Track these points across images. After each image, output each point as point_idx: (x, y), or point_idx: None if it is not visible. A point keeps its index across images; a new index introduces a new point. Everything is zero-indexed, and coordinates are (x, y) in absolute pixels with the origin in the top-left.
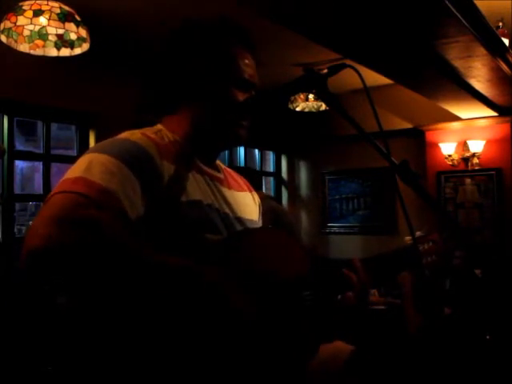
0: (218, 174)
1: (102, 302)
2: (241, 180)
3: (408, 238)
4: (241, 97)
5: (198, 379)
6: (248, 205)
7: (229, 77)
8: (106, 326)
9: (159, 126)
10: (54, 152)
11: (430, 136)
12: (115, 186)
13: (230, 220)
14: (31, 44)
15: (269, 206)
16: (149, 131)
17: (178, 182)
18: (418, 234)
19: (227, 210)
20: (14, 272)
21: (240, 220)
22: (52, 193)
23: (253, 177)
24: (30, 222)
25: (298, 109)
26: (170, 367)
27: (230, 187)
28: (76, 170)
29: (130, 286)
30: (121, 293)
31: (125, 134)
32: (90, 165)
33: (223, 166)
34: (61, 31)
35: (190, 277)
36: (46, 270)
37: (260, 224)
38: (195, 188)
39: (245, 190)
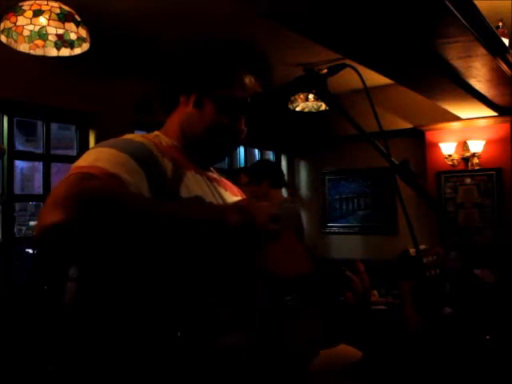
0: (215, 175)
1: (110, 286)
2: (231, 185)
3: (412, 250)
4: (226, 120)
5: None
6: None
7: (226, 96)
8: (111, 321)
9: (156, 132)
10: (54, 152)
11: (430, 136)
12: (124, 174)
13: None
14: (31, 44)
15: (287, 211)
16: (148, 135)
17: (179, 179)
18: (422, 247)
19: None
20: (14, 271)
21: None
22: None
23: (277, 173)
24: (31, 222)
25: (297, 109)
26: (171, 368)
27: (225, 189)
28: (86, 160)
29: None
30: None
31: (126, 136)
32: (98, 156)
33: (214, 171)
34: (61, 31)
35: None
36: (61, 246)
37: None
38: (196, 186)
39: (237, 195)
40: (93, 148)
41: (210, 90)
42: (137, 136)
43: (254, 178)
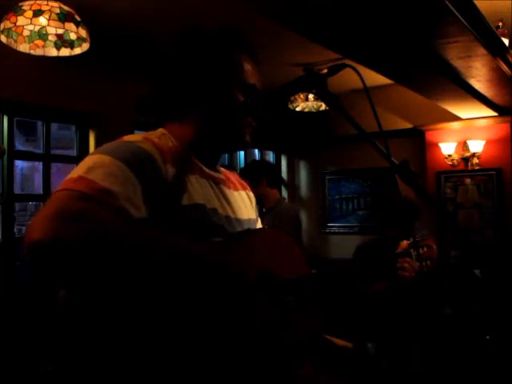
0: (220, 176)
1: (102, 293)
2: (233, 177)
3: (404, 242)
4: (244, 103)
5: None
6: (245, 203)
7: (232, 82)
8: (107, 322)
9: (162, 130)
10: (53, 152)
11: (430, 136)
12: (116, 187)
13: (233, 223)
14: (31, 44)
15: (284, 211)
16: (152, 135)
17: (180, 186)
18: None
19: (230, 213)
20: (14, 271)
21: (241, 221)
22: (54, 191)
23: (273, 172)
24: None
25: (297, 109)
26: (172, 366)
27: (229, 187)
28: (79, 169)
29: (131, 273)
30: (120, 281)
31: (128, 137)
32: (93, 165)
33: (221, 169)
34: (61, 31)
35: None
36: (48, 262)
37: (258, 221)
38: (199, 192)
39: (239, 189)
40: (91, 154)
41: (223, 85)
42: (139, 137)
43: (251, 179)
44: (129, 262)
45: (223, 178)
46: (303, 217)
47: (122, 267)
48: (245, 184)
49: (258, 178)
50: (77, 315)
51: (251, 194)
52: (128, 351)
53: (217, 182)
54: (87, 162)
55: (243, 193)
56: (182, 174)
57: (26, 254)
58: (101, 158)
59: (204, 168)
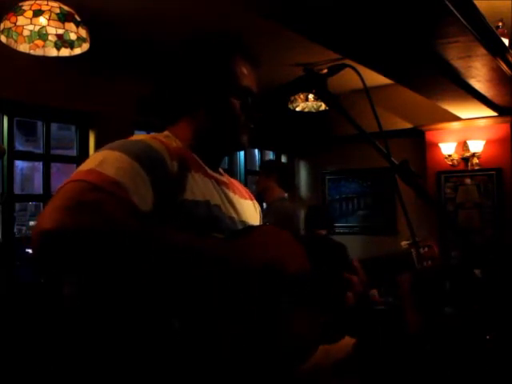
0: (223, 178)
1: (107, 290)
2: (241, 187)
3: (404, 242)
4: (239, 106)
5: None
6: (251, 213)
7: (227, 85)
8: (111, 320)
9: (166, 133)
10: (53, 152)
11: (430, 136)
12: (127, 180)
13: (236, 223)
14: (31, 44)
15: (281, 208)
16: (159, 136)
17: (186, 182)
18: None
19: (233, 214)
20: (14, 271)
21: (244, 224)
22: (64, 182)
23: (286, 172)
24: (31, 222)
25: (297, 109)
26: (170, 368)
27: (234, 192)
28: (89, 163)
29: (136, 264)
30: (125, 271)
31: (136, 137)
32: (103, 159)
33: (224, 173)
34: (61, 31)
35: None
36: (58, 253)
37: None
38: (203, 190)
39: (246, 198)
40: (100, 150)
41: (218, 88)
42: (147, 137)
43: (265, 170)
44: (135, 255)
45: (226, 181)
46: (303, 217)
47: (129, 260)
48: (251, 194)
49: (270, 169)
50: (79, 314)
51: (257, 205)
52: (132, 350)
53: (219, 183)
54: (97, 156)
55: (250, 202)
56: (185, 171)
57: (35, 245)
58: (111, 154)
59: (206, 168)
